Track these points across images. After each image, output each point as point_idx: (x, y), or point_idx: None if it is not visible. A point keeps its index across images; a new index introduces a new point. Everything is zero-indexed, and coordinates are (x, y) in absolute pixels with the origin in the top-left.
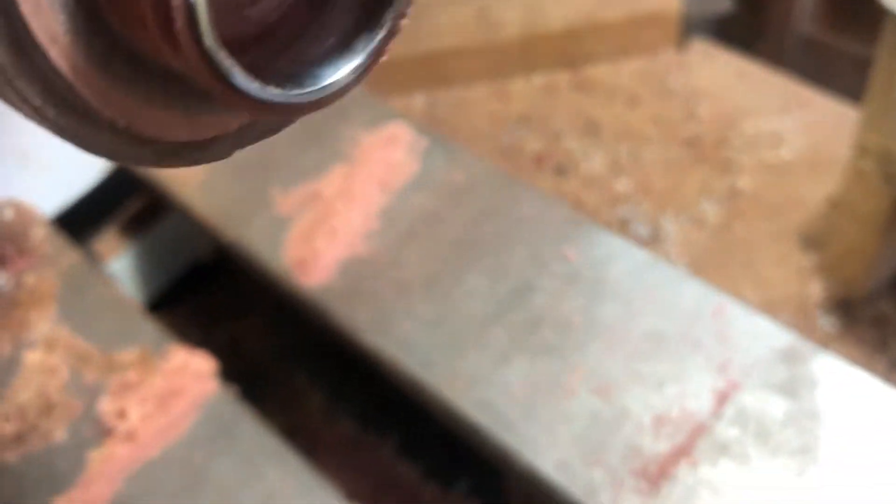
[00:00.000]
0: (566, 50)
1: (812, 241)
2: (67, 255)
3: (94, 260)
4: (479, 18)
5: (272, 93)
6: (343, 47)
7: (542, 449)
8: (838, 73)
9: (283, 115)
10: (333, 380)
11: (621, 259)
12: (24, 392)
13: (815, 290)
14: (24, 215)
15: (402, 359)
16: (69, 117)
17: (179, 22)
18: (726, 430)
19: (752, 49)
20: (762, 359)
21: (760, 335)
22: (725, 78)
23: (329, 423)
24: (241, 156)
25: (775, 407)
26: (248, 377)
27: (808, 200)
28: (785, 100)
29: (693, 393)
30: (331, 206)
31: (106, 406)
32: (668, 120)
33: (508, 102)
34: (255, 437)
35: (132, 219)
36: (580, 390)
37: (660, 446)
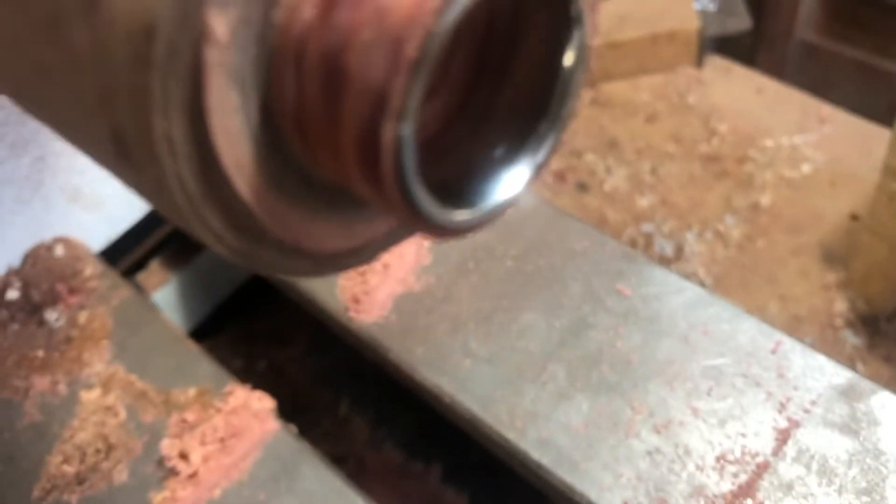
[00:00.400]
0: None
1: (835, 256)
2: (119, 290)
3: (144, 294)
4: None
5: (456, 219)
6: (507, 159)
7: (606, 488)
8: (841, 80)
9: (457, 235)
10: (377, 405)
11: (676, 295)
12: (83, 432)
13: (840, 306)
14: (74, 252)
15: (460, 397)
16: (244, 239)
17: (386, 162)
18: (790, 469)
19: (754, 59)
20: (822, 396)
21: (819, 372)
22: (743, 94)
23: (374, 449)
24: None
25: (838, 445)
26: (291, 405)
27: (829, 215)
28: (803, 115)
29: (754, 431)
30: None
31: (167, 447)
32: (688, 136)
33: None
34: (316, 476)
35: (175, 250)
36: (641, 428)
37: (724, 486)
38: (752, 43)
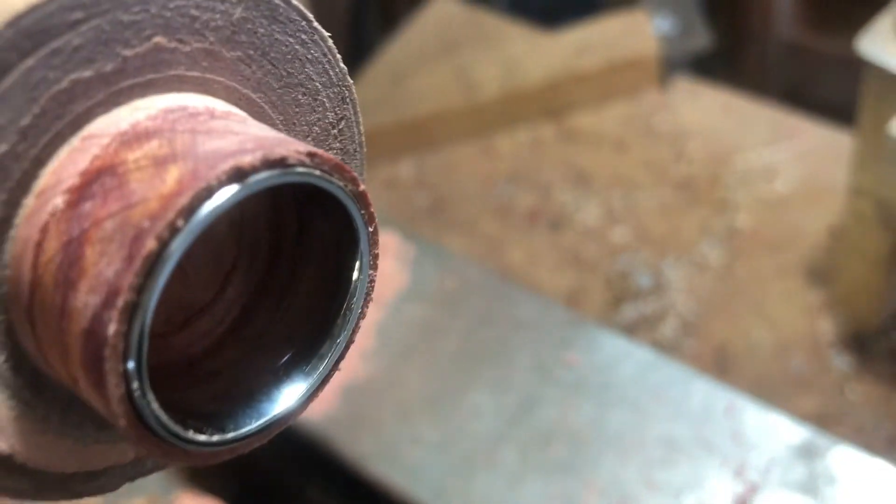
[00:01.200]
0: (548, 102)
1: (817, 275)
2: None
3: None
4: (459, 80)
5: (200, 439)
6: (283, 378)
7: None
8: (824, 77)
9: (204, 459)
10: (345, 491)
11: (626, 361)
12: None
13: (826, 326)
14: None
15: (412, 488)
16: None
17: (109, 362)
18: None
19: (734, 64)
20: (779, 457)
21: (775, 431)
22: (711, 114)
23: None
24: None
25: None
26: (261, 493)
27: (808, 233)
28: (773, 131)
29: (711, 501)
30: None
31: None
32: (658, 163)
33: (496, 160)
34: None
35: None
36: None
37: None
38: (731, 46)
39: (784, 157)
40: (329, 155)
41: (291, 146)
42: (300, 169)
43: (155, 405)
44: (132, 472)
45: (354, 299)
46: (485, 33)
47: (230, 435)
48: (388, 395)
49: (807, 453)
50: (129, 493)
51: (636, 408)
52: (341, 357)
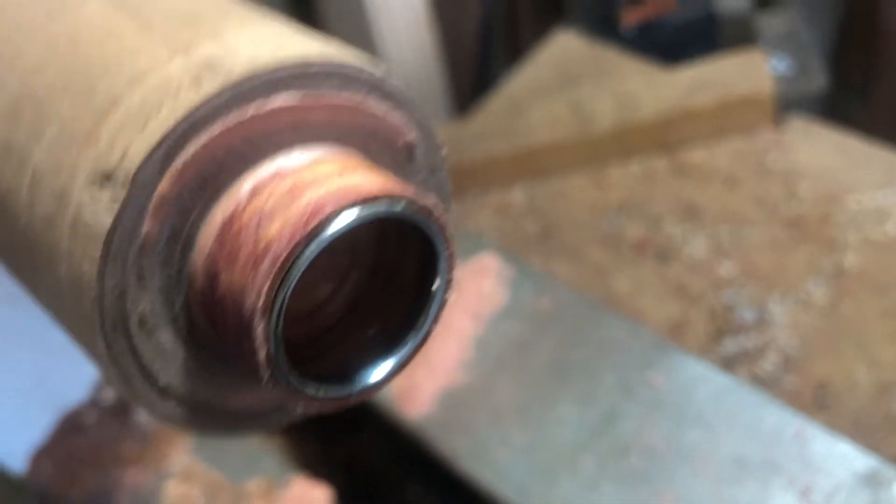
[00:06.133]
0: (661, 136)
1: None
2: None
3: None
4: (573, 112)
5: (321, 394)
6: (381, 356)
7: None
8: None
9: (327, 407)
10: (444, 492)
11: (705, 383)
12: None
13: None
14: None
15: (498, 486)
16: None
17: (269, 381)
18: None
19: (866, 100)
20: (844, 483)
21: (842, 458)
22: (825, 154)
23: None
24: None
25: None
26: (365, 491)
27: None
28: (888, 174)
29: None
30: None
31: None
32: (768, 200)
33: (607, 191)
34: None
35: None
36: None
37: None
38: (867, 81)
39: None
40: (405, 187)
41: (402, 188)
42: (404, 208)
43: (286, 364)
44: (270, 419)
45: (433, 305)
46: (602, 68)
47: (335, 393)
48: (482, 401)
49: (872, 481)
50: (249, 472)
51: (710, 427)
52: (421, 344)
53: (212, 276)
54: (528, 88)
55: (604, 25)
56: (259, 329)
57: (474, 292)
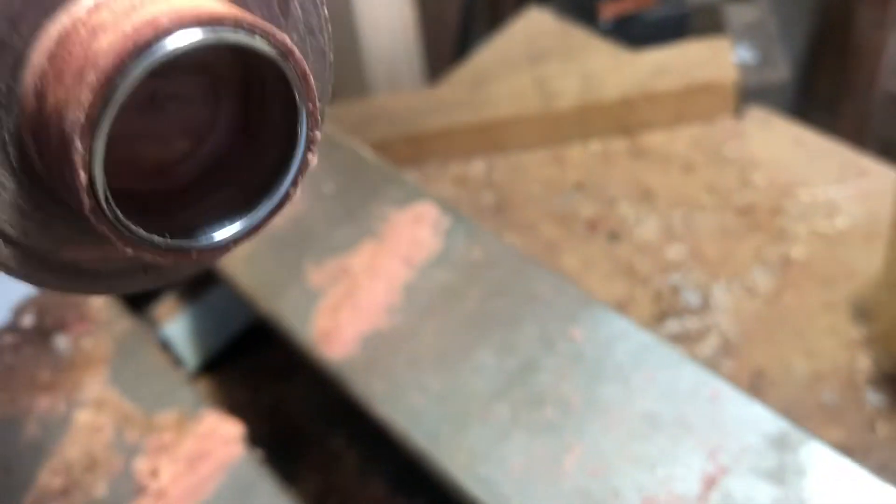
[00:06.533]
0: (622, 118)
1: (863, 312)
2: (122, 321)
3: (149, 325)
4: (537, 88)
5: (151, 242)
6: (243, 210)
7: None
8: None
9: (168, 259)
10: (368, 441)
11: (625, 340)
12: (72, 449)
13: (865, 363)
14: None
15: (410, 431)
16: (32, 265)
17: (91, 214)
18: None
19: (837, 111)
20: (753, 445)
21: (753, 421)
22: (782, 146)
23: (362, 483)
24: (281, 232)
25: (762, 493)
26: (288, 438)
27: (861, 271)
28: (842, 169)
29: (682, 476)
30: (357, 281)
31: (141, 465)
32: (723, 188)
33: (565, 168)
34: (273, 500)
35: (189, 285)
36: (575, 469)
37: None
38: (835, 94)
39: (848, 195)
40: (259, 20)
41: (259, 21)
42: (256, 39)
43: (108, 196)
44: (111, 280)
45: (292, 167)
46: (570, 47)
47: (170, 245)
48: (404, 346)
49: (781, 444)
50: (163, 406)
51: (626, 384)
52: (277, 209)
53: (40, 95)
54: (495, 61)
55: (581, 15)
56: (77, 147)
57: (408, 239)
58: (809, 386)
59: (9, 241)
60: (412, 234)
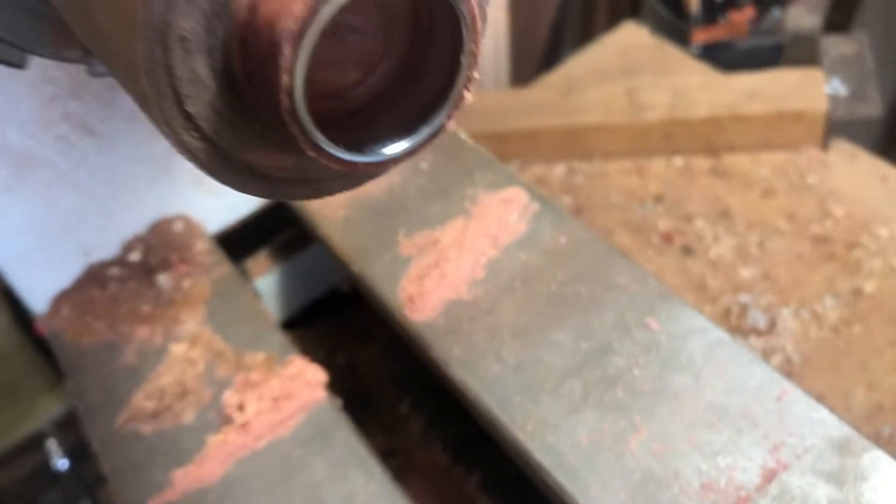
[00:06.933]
0: (709, 137)
1: None
2: (221, 267)
3: (244, 276)
4: (627, 99)
5: (349, 155)
6: (403, 133)
7: (595, 496)
8: None
9: (353, 170)
10: (433, 409)
11: (701, 334)
12: (166, 377)
13: None
14: (191, 229)
15: (484, 396)
16: (217, 161)
17: (287, 114)
18: None
19: None
20: (816, 446)
21: (818, 423)
22: (866, 181)
23: (424, 449)
24: (377, 202)
25: (820, 492)
26: (358, 398)
27: None
28: None
29: (743, 467)
30: (445, 253)
31: (229, 398)
32: (801, 215)
33: (646, 180)
34: (347, 444)
35: (281, 245)
36: (639, 449)
37: None
38: None
39: None
40: None
41: None
42: None
43: (305, 102)
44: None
45: (450, 97)
46: (664, 63)
47: (351, 156)
48: (484, 318)
49: (843, 449)
50: (251, 348)
51: (697, 375)
52: (434, 135)
53: (253, 7)
54: (587, 70)
55: (672, 37)
56: (286, 53)
57: (497, 219)
58: (869, 417)
59: (202, 136)
60: (500, 216)
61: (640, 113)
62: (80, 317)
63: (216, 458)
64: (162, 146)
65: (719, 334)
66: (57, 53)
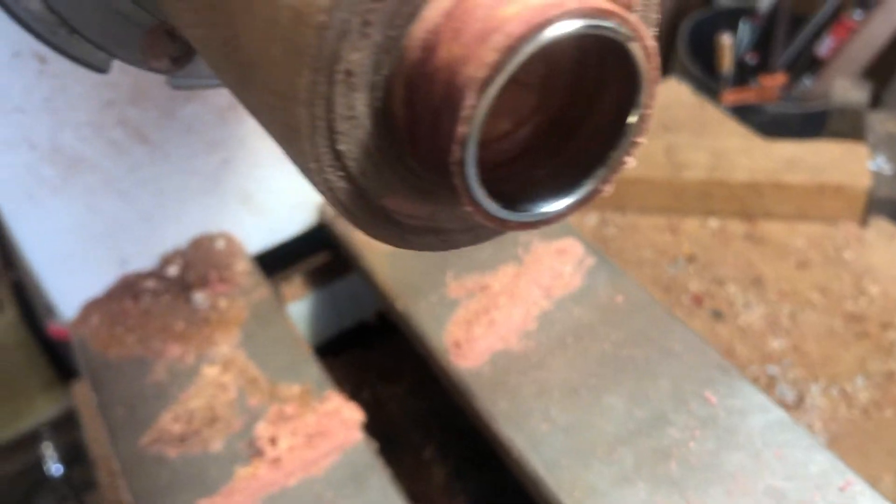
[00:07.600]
0: (746, 202)
1: None
2: (260, 290)
3: (281, 300)
4: (666, 155)
5: (506, 214)
6: (550, 195)
7: None
8: None
9: (504, 228)
10: (459, 456)
11: (761, 413)
12: (196, 400)
13: None
14: (233, 247)
15: (530, 455)
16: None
17: (455, 165)
18: None
19: None
20: None
21: None
22: None
23: (448, 498)
24: None
25: None
26: (383, 438)
27: None
28: None
29: None
30: (495, 300)
31: (262, 430)
32: (835, 290)
33: (679, 238)
34: (382, 492)
35: (316, 271)
36: None
37: None
38: None
39: None
40: (629, 13)
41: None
42: (610, 22)
43: (478, 183)
44: (459, 237)
45: (625, 138)
46: (704, 121)
47: (524, 217)
48: (533, 372)
49: None
50: (286, 378)
51: (756, 456)
52: (608, 178)
53: (429, 49)
54: None
55: (701, 94)
56: (468, 101)
57: (551, 270)
58: None
59: (347, 175)
60: (554, 266)
61: (679, 170)
62: (110, 327)
63: (244, 491)
64: (215, 160)
65: (780, 414)
66: (144, 62)
